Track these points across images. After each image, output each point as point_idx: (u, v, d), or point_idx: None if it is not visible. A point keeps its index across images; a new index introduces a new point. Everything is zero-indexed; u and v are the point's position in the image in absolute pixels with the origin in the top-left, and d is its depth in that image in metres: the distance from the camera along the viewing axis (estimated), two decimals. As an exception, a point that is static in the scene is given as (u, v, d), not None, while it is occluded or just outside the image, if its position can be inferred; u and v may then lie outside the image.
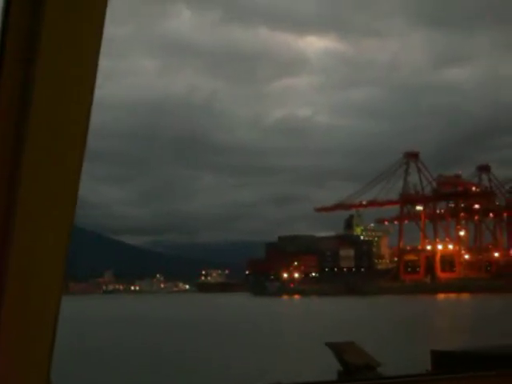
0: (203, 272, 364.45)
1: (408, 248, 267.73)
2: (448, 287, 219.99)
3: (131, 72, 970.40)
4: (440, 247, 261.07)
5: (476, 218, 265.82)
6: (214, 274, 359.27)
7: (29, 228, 2.60)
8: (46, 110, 2.58)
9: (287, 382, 29.63)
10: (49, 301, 2.65)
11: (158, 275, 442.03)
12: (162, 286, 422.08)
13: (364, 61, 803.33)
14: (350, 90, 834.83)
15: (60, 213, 2.65)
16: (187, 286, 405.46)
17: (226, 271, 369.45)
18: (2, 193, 2.59)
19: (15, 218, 2.58)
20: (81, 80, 2.63)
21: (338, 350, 9.52)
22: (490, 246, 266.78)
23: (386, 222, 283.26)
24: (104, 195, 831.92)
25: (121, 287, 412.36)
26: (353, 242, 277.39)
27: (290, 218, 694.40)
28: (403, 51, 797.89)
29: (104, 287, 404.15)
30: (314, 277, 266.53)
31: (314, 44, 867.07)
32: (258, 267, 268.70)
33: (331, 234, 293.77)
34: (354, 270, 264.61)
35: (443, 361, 7.78)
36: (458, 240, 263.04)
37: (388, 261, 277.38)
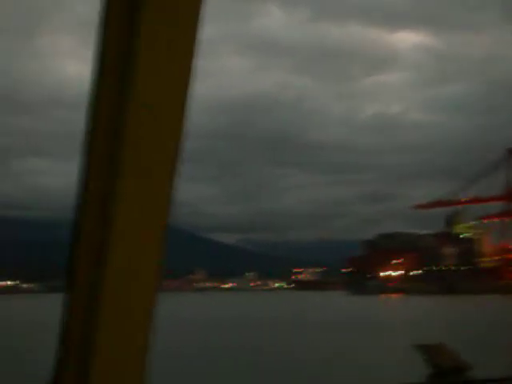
0: (297, 270, 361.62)
1: (511, 246, 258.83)
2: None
3: (223, 71, 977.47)
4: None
5: None
6: (309, 272, 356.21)
7: (127, 228, 2.68)
8: (143, 111, 2.67)
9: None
10: (146, 299, 2.72)
11: (249, 273, 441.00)
12: (254, 283, 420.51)
13: (457, 55, 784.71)
14: (443, 85, 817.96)
15: (156, 213, 2.72)
16: (280, 284, 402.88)
17: (321, 269, 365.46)
18: (100, 194, 2.69)
19: (114, 219, 2.67)
20: (177, 82, 2.73)
21: (427, 351, 8.38)
22: None
23: (487, 220, 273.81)
24: (195, 194, 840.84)
25: (213, 285, 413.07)
26: (454, 239, 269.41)
27: (381, 215, 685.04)
28: (497, 45, 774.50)
29: (195, 284, 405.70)
30: (414, 275, 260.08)
31: (406, 39, 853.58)
32: (358, 265, 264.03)
33: (425, 231, 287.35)
34: (455, 268, 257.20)
35: None
36: None
37: (490, 259, 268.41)
